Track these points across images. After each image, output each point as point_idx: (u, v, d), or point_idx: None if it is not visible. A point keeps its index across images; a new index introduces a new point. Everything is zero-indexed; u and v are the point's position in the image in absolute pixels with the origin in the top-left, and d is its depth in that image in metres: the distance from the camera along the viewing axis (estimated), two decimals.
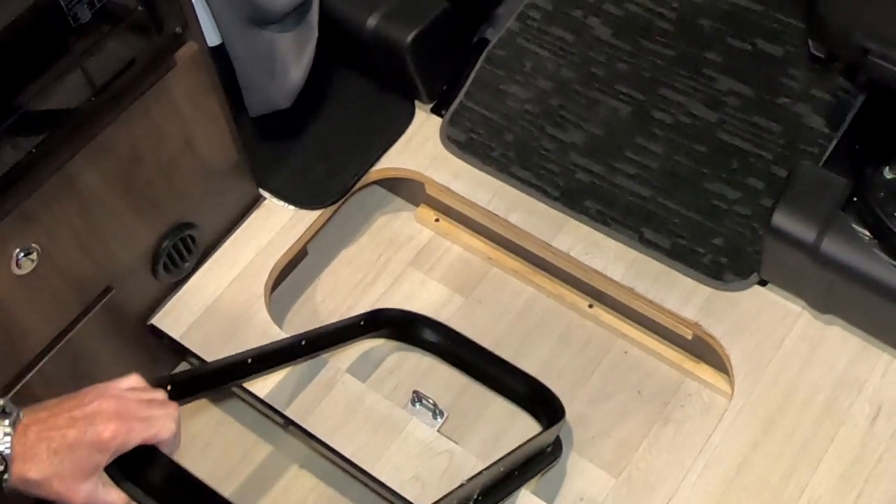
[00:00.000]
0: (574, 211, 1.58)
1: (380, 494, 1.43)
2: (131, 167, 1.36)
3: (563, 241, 1.56)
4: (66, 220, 1.30)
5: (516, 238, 1.60)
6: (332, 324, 1.52)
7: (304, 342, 1.46)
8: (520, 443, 1.35)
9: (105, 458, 0.98)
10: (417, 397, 1.51)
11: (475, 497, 1.31)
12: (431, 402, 1.50)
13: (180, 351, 1.52)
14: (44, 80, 1.19)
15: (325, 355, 1.48)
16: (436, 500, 1.28)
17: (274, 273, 1.57)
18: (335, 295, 1.66)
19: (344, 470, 1.46)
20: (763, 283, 1.50)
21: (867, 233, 1.38)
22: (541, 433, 1.42)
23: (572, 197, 1.59)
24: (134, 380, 1.04)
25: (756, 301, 1.49)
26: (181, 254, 1.51)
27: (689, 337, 1.51)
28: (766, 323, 1.47)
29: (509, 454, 1.34)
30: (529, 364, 1.57)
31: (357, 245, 1.72)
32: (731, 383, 1.45)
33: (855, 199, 1.40)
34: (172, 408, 1.04)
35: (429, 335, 1.57)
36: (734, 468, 1.37)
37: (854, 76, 1.49)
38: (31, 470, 0.95)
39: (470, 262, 1.68)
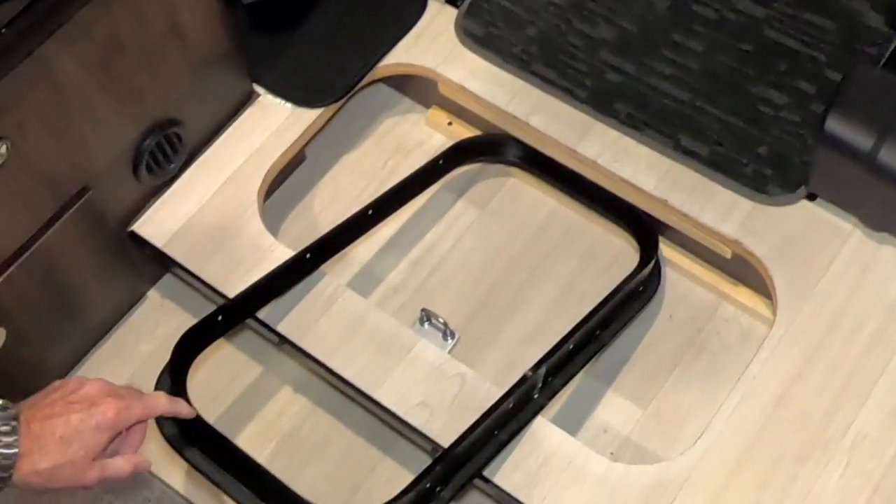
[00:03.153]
0: (602, 114, 1.56)
1: (383, 421, 1.43)
2: (111, 54, 1.34)
3: (590, 148, 1.54)
4: (39, 111, 1.29)
5: (538, 144, 1.58)
6: (406, 177, 1.55)
7: (371, 211, 1.49)
8: (528, 370, 1.36)
9: (108, 437, 1.06)
10: (426, 316, 1.50)
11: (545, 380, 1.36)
12: (442, 321, 1.49)
13: (163, 261, 1.51)
14: None
15: (323, 268, 1.47)
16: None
17: (268, 178, 1.56)
18: (335, 205, 1.65)
19: (343, 394, 1.46)
20: (811, 197, 1.49)
21: None
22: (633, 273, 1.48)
23: (601, 99, 1.57)
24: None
25: (803, 217, 1.48)
26: (166, 154, 1.50)
27: (728, 256, 1.50)
28: (814, 242, 1.46)
29: (603, 304, 1.41)
30: (549, 285, 1.58)
31: (360, 150, 1.70)
32: (773, 308, 1.44)
33: None
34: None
35: (517, 152, 1.61)
36: (773, 401, 1.36)
37: None
38: (42, 461, 1.02)
39: (485, 170, 1.67)
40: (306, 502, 1.22)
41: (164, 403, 1.16)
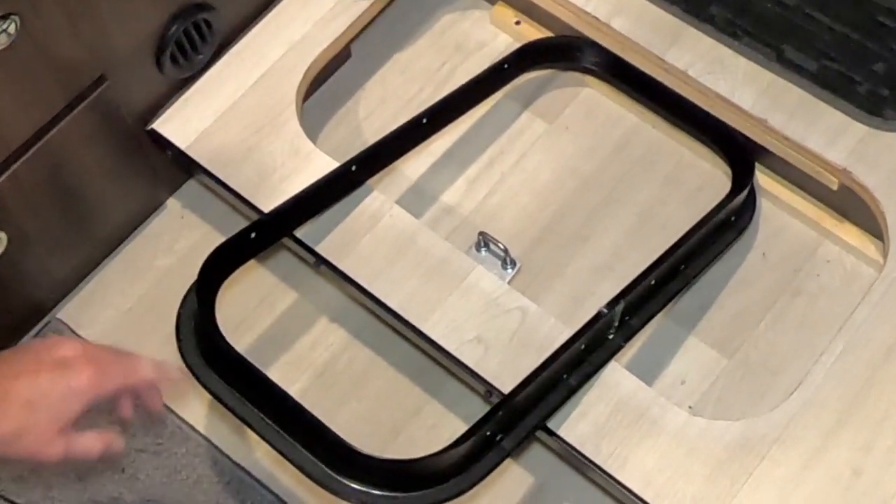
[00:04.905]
0: (696, 18, 1.54)
1: (430, 357, 1.43)
2: None
3: (680, 56, 1.52)
4: None
5: (620, 50, 1.56)
6: (466, 83, 1.53)
7: (424, 120, 1.49)
8: (604, 307, 1.34)
9: (80, 408, 1.03)
10: (484, 241, 1.49)
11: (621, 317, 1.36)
12: (502, 247, 1.49)
13: (186, 165, 1.50)
14: None
15: (368, 183, 1.47)
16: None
17: (309, 76, 1.55)
18: (383, 110, 1.65)
19: (386, 325, 1.46)
20: None
21: None
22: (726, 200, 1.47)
23: (695, 0, 1.55)
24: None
25: None
26: (193, 43, 1.49)
27: (834, 187, 1.48)
28: None
29: (689, 235, 1.40)
30: (625, 211, 1.57)
31: (414, 49, 1.69)
32: (885, 248, 1.42)
33: None
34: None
35: (594, 58, 1.61)
36: (882, 352, 1.34)
37: None
38: (3, 423, 1.00)
39: (557, 78, 1.65)
40: (343, 442, 1.21)
41: (147, 369, 1.11)
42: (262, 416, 1.24)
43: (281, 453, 1.23)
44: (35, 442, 1.02)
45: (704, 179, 1.58)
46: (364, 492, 1.21)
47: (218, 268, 1.34)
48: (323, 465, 1.21)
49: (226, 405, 1.27)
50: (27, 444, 1.02)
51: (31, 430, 1.01)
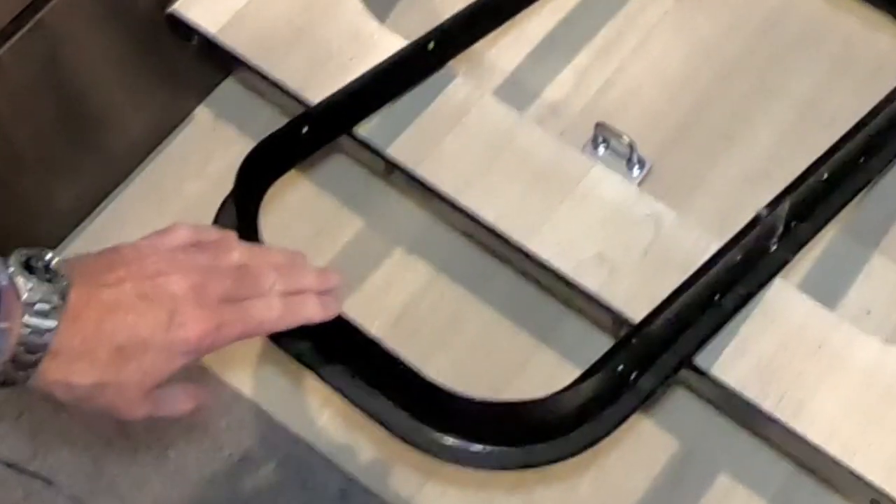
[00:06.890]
0: None
1: (539, 289, 1.40)
2: None
3: None
4: None
5: None
6: None
7: None
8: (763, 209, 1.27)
9: (182, 364, 0.97)
10: (603, 136, 1.44)
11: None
12: (626, 142, 1.42)
13: (217, 58, 1.44)
14: None
15: (452, 66, 1.39)
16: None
17: None
18: None
19: (481, 250, 1.43)
20: None
21: None
22: None
23: None
24: (184, 234, 1.03)
25: None
26: None
27: None
28: None
29: (869, 119, 1.30)
30: (782, 103, 1.53)
31: None
32: None
33: None
34: (264, 258, 1.05)
35: None
36: None
37: None
38: (79, 373, 0.92)
39: None
40: (433, 383, 1.11)
41: (274, 310, 1.02)
42: (329, 360, 1.14)
43: (351, 401, 1.13)
44: (114, 401, 0.95)
45: (881, 60, 1.54)
46: (462, 448, 1.12)
47: (262, 169, 1.26)
48: (407, 413, 1.11)
49: (281, 346, 1.15)
50: (105, 401, 0.95)
51: (114, 385, 0.94)
